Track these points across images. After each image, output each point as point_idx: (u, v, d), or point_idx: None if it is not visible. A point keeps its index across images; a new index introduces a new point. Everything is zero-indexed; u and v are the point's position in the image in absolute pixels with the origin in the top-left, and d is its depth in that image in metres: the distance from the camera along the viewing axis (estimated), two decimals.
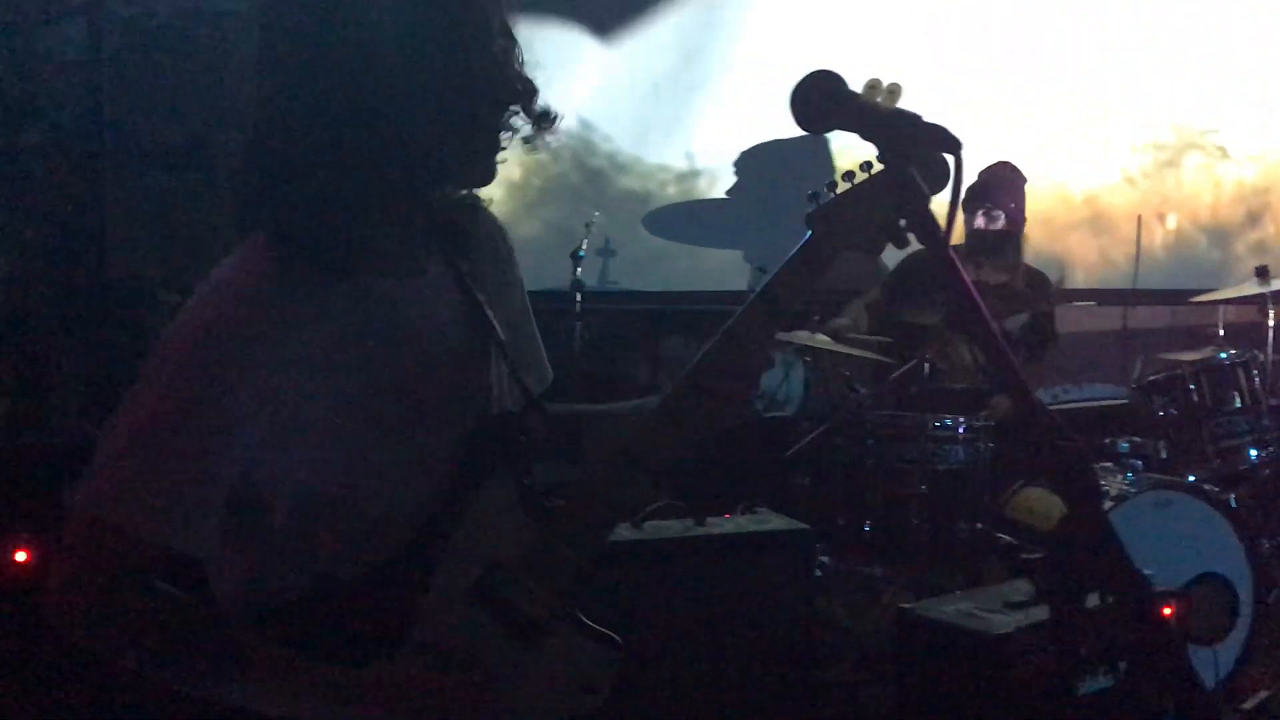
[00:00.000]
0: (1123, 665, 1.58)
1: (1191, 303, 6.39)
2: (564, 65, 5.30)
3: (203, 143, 4.35)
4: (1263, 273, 5.58)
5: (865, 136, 1.66)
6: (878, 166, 1.73)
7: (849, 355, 5.04)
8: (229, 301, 1.68)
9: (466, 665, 1.76)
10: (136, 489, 1.62)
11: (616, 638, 1.87)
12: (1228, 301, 6.09)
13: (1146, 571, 1.47)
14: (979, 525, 4.68)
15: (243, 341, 1.65)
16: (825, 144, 5.88)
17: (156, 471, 1.62)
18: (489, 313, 1.92)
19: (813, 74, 1.70)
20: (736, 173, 5.79)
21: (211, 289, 1.71)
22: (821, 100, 1.69)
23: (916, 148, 1.60)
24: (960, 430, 4.79)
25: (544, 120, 1.81)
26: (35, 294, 4.34)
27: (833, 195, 1.75)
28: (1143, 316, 6.88)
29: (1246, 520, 4.60)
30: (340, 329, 1.73)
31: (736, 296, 5.31)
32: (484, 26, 1.72)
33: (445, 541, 1.79)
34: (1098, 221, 6.97)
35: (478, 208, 1.96)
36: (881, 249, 1.79)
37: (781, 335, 5.10)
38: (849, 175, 1.75)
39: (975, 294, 1.54)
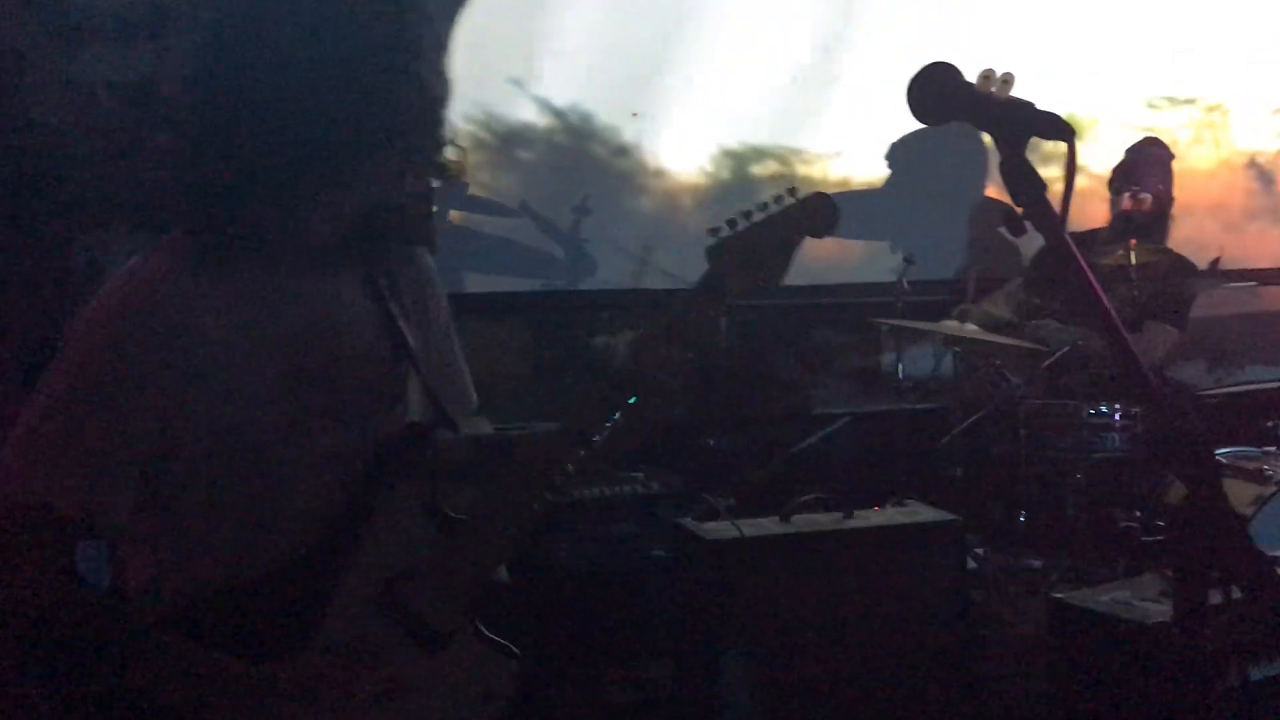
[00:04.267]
0: None
1: None
2: (695, 60, 5.33)
3: None
4: None
5: (980, 126, 1.66)
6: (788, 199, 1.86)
7: (998, 344, 4.97)
8: (144, 286, 1.74)
9: (373, 668, 1.81)
10: (55, 461, 1.67)
11: (514, 649, 1.93)
12: None
13: None
14: (1138, 514, 4.58)
15: (156, 324, 1.71)
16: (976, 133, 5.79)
17: (73, 445, 1.67)
18: (401, 324, 1.95)
19: (928, 65, 1.71)
20: (889, 164, 5.75)
21: (127, 275, 1.77)
22: (937, 91, 1.69)
23: (1031, 136, 1.59)
24: (1116, 418, 4.69)
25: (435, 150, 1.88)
26: None
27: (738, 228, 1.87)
28: None
29: None
30: (253, 318, 1.79)
31: (884, 288, 5.33)
32: (407, 48, 1.79)
33: (355, 544, 1.82)
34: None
35: (413, 250, 2.05)
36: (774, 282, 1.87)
37: (929, 326, 5.06)
38: (763, 206, 1.88)
39: (1094, 281, 1.53)
